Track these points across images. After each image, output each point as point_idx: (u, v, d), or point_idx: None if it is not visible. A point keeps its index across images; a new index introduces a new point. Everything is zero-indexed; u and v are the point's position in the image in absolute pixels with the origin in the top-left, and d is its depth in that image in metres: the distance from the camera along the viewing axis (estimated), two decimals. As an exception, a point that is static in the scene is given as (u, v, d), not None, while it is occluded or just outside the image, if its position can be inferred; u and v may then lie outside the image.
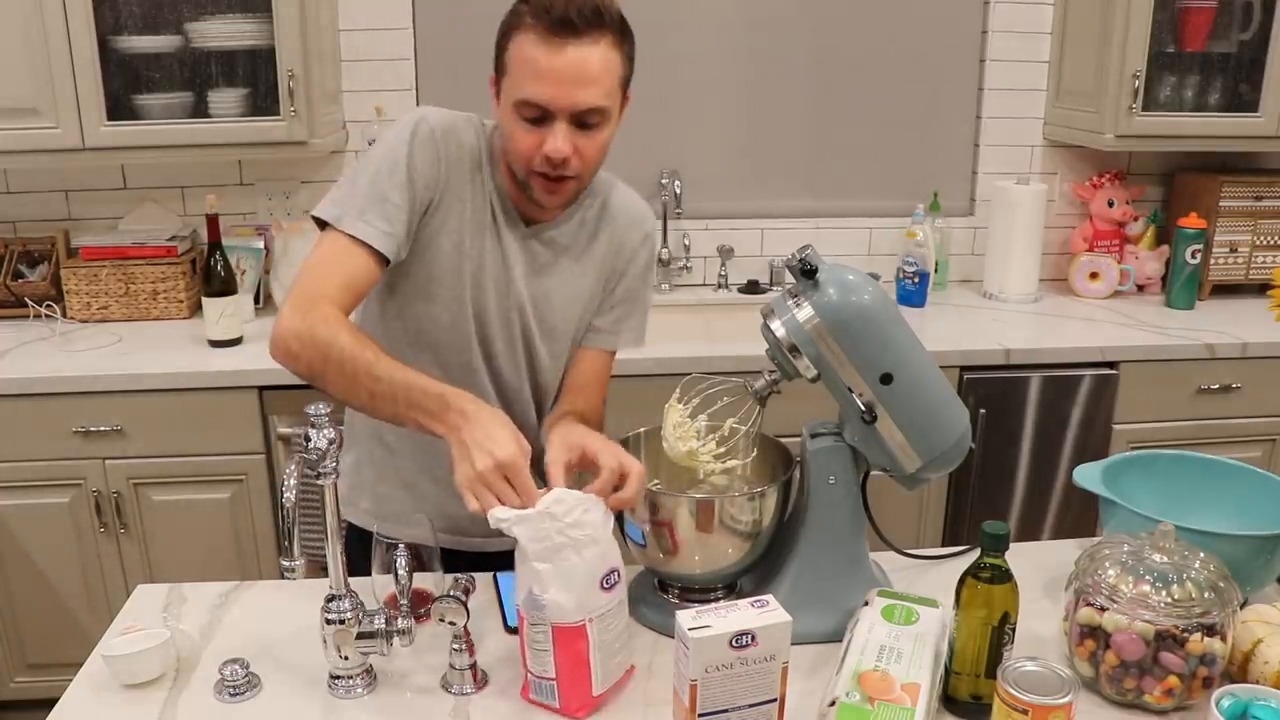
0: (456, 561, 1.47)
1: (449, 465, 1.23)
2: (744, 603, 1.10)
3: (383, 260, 1.37)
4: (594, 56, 1.30)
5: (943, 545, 2.38)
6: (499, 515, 1.14)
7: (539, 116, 1.32)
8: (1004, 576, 1.14)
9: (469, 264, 1.45)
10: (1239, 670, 1.18)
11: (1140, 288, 3.06)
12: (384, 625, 1.19)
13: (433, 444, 1.33)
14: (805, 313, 1.26)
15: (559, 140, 1.32)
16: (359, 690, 1.21)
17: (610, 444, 1.29)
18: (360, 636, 1.19)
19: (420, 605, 1.29)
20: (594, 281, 1.54)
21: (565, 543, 1.13)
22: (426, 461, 1.53)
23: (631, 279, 1.57)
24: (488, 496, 1.16)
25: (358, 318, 1.51)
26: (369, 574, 1.33)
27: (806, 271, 1.25)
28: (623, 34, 1.34)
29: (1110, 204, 3.00)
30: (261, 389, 2.35)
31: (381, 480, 1.57)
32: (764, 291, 2.99)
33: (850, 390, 1.27)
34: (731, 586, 1.40)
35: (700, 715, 1.07)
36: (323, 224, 1.38)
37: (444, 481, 1.47)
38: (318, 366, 1.29)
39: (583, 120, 1.33)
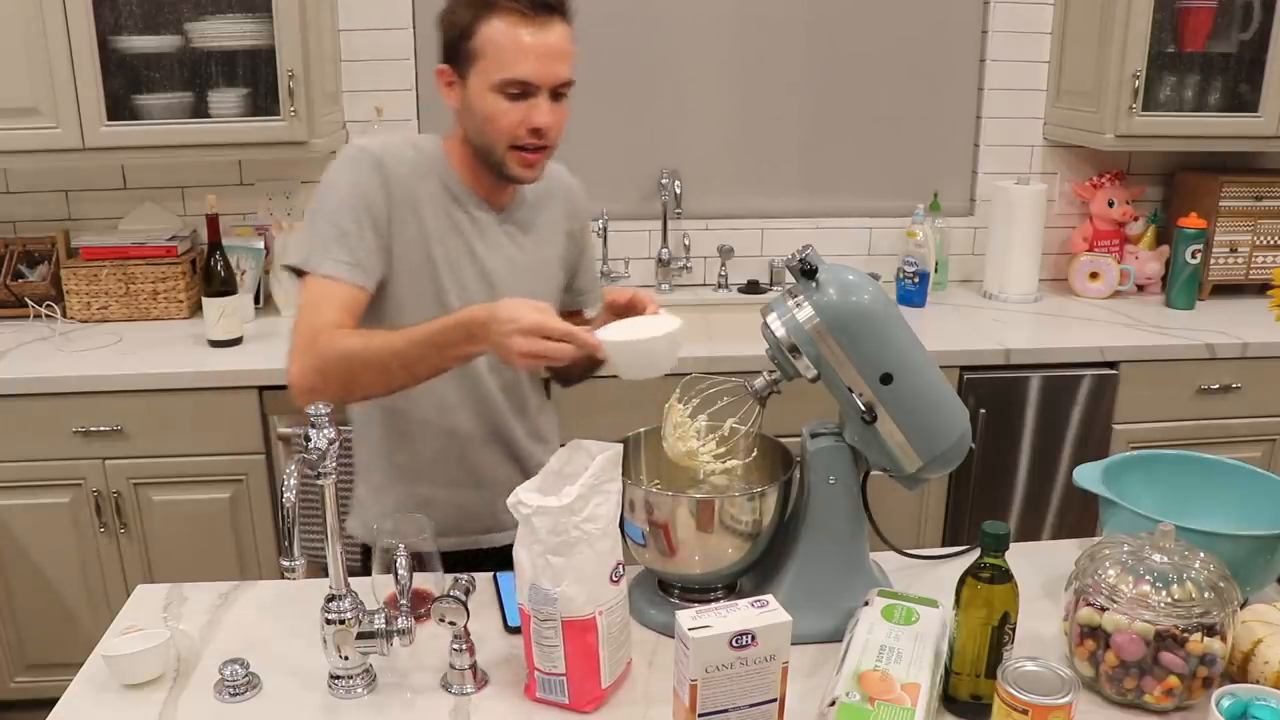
0: (483, 560, 1.53)
1: (456, 470, 1.48)
2: (744, 603, 1.10)
3: (359, 288, 1.45)
4: (564, 35, 1.44)
5: (943, 545, 2.38)
6: (521, 504, 1.14)
7: (522, 93, 1.43)
8: (1004, 576, 1.14)
9: (444, 268, 1.52)
10: (1239, 670, 1.18)
11: (1140, 288, 3.06)
12: (384, 625, 1.19)
13: (441, 455, 1.57)
14: (805, 313, 1.26)
15: (544, 113, 1.44)
16: (359, 690, 1.21)
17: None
18: (360, 636, 1.19)
19: (420, 605, 1.29)
20: (560, 246, 1.67)
21: (580, 537, 1.13)
22: (437, 472, 1.60)
23: (587, 240, 1.76)
24: (548, 354, 1.25)
25: None
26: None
27: (806, 271, 1.25)
28: (571, 15, 1.47)
29: (1110, 204, 3.00)
30: (261, 389, 2.35)
31: (400, 505, 1.58)
32: (764, 291, 2.99)
33: (850, 390, 1.27)
34: (731, 586, 1.40)
35: (700, 715, 1.07)
36: (297, 270, 1.46)
37: (457, 484, 1.60)
38: (347, 380, 1.38)
39: (558, 92, 1.46)
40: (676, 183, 2.88)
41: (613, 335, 1.31)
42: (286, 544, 1.13)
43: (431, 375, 1.40)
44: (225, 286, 2.46)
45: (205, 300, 2.46)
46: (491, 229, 1.56)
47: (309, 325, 1.40)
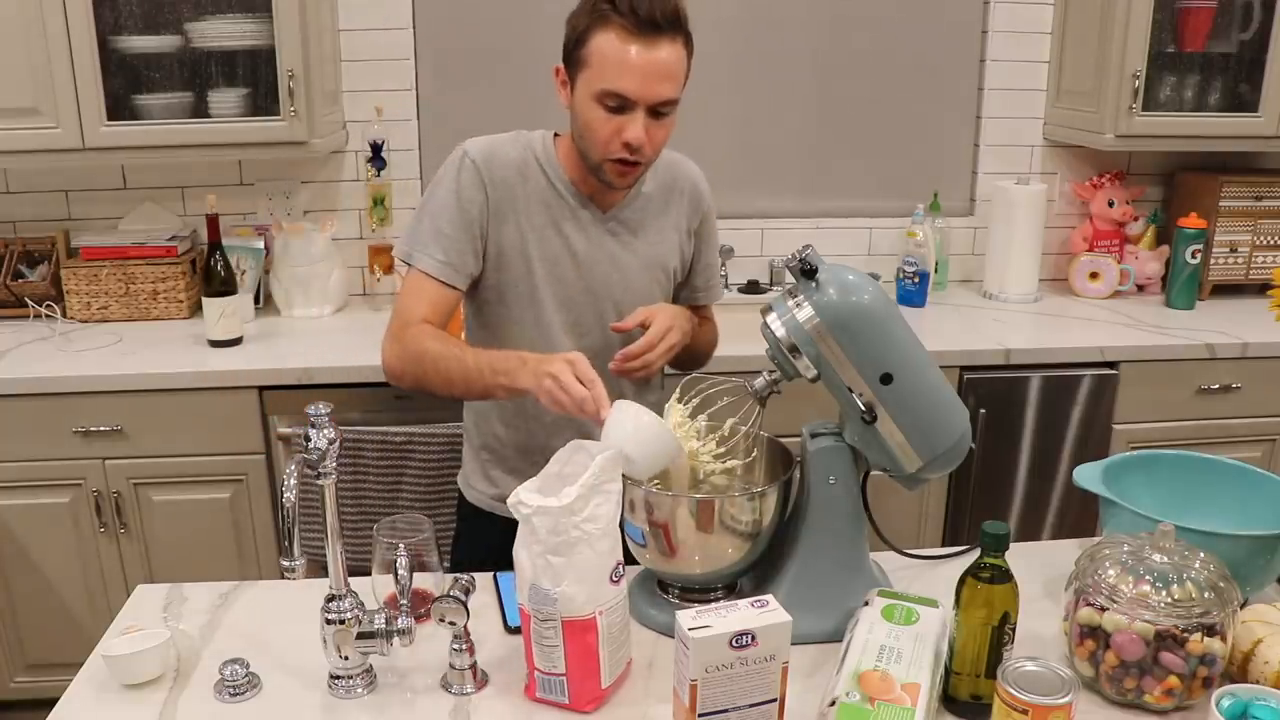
0: None
1: (535, 453, 1.55)
2: (744, 603, 1.10)
3: (450, 286, 1.57)
4: (673, 55, 1.47)
5: (943, 545, 2.38)
6: (521, 505, 1.14)
7: (619, 106, 1.47)
8: (1004, 576, 1.14)
9: (539, 265, 1.60)
10: (1239, 670, 1.18)
11: (1140, 288, 3.06)
12: (384, 625, 1.19)
13: (521, 433, 1.67)
14: (805, 313, 1.26)
15: (638, 129, 1.48)
16: (359, 690, 1.21)
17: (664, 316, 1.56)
18: (360, 636, 1.19)
19: (420, 605, 1.29)
20: (673, 245, 1.70)
21: (580, 537, 1.13)
22: (518, 448, 1.70)
23: (708, 238, 1.77)
24: (567, 385, 1.32)
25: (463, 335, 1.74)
26: (479, 551, 1.35)
27: (806, 271, 1.25)
28: (689, 35, 1.50)
29: (1110, 204, 3.00)
30: (261, 389, 2.35)
31: (493, 466, 1.74)
32: (764, 291, 2.99)
33: (850, 390, 1.27)
34: (731, 586, 1.40)
35: (700, 715, 1.07)
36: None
37: (536, 465, 1.63)
38: (419, 376, 1.53)
39: (657, 110, 1.49)
40: (676, 183, 2.88)
41: (627, 405, 1.30)
42: (286, 544, 1.13)
43: (481, 396, 1.52)
44: (225, 286, 2.46)
45: (205, 300, 2.46)
46: (594, 227, 1.62)
47: (403, 315, 1.56)
